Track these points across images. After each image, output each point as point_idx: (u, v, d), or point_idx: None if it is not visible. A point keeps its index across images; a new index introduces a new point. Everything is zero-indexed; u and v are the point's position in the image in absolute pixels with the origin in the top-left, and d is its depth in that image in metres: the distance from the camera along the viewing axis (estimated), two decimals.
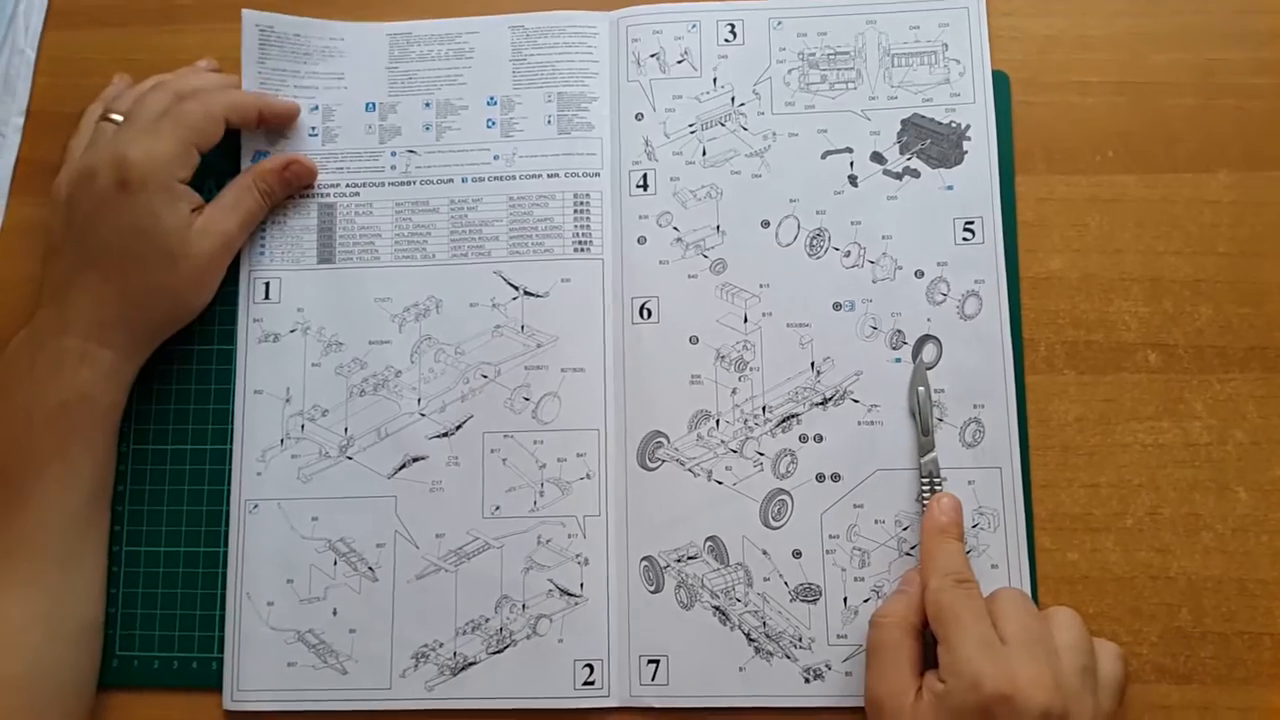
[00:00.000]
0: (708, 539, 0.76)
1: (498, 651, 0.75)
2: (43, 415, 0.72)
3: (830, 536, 0.76)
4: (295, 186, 0.82)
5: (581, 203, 0.81)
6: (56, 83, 0.88)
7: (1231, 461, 0.76)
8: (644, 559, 0.76)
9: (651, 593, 0.75)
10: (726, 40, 0.83)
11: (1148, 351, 0.78)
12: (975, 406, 0.76)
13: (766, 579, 0.75)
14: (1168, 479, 0.76)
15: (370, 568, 0.77)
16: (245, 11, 0.85)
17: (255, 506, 0.78)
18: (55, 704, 0.71)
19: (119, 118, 0.78)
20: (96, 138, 0.78)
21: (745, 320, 0.79)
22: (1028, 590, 0.74)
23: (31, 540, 0.72)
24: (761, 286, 0.79)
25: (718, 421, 0.77)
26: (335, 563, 0.77)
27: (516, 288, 0.80)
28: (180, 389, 0.81)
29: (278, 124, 0.84)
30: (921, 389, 0.76)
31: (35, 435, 0.72)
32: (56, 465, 0.73)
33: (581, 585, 0.76)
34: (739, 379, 0.78)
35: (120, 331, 0.75)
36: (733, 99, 0.82)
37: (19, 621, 0.70)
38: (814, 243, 0.79)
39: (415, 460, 0.78)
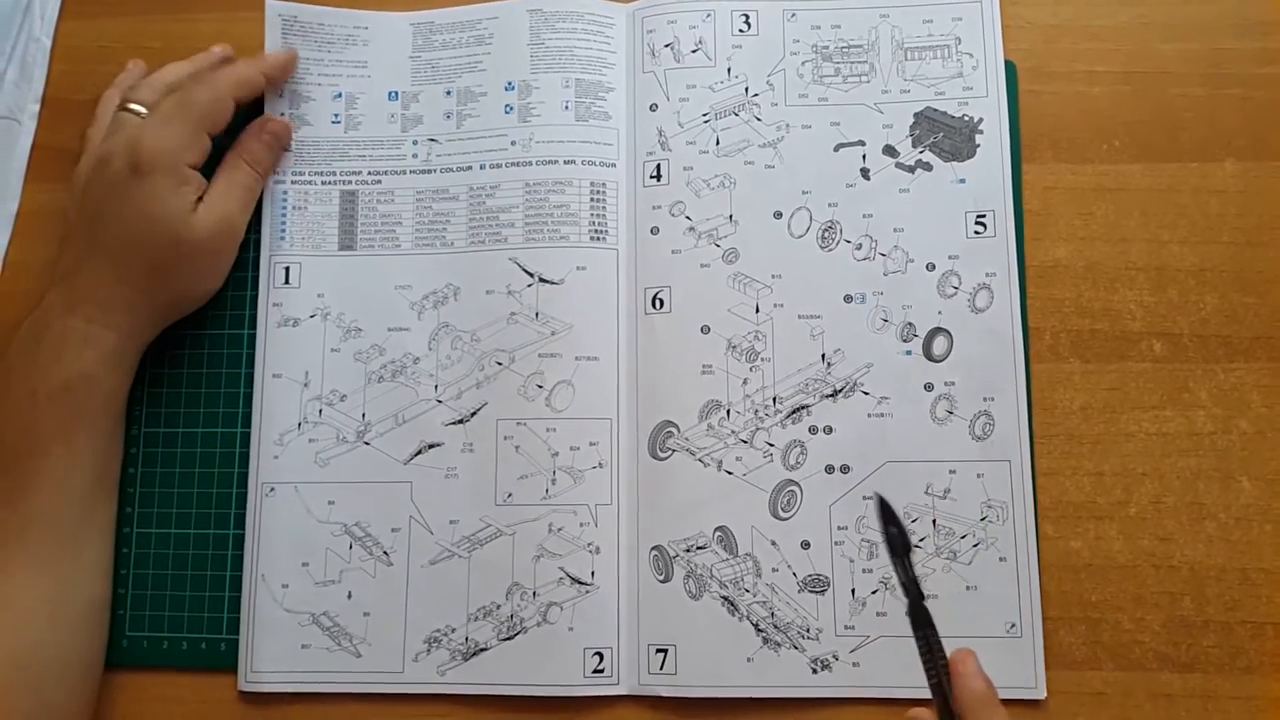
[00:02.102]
0: (717, 529, 0.69)
1: (508, 638, 0.68)
2: (47, 395, 0.66)
3: (839, 528, 0.69)
4: (278, 149, 0.76)
5: (599, 192, 0.74)
6: (73, 70, 0.81)
7: (1235, 451, 0.69)
8: (654, 548, 0.69)
9: (661, 582, 0.69)
10: (741, 31, 0.76)
11: (1153, 340, 0.71)
12: (985, 399, 0.70)
13: (775, 569, 0.68)
14: (1172, 468, 0.69)
15: (385, 552, 0.70)
16: (269, 3, 0.78)
17: (272, 489, 0.71)
18: (60, 683, 0.66)
19: (138, 108, 0.72)
20: (115, 127, 0.72)
21: (757, 310, 0.71)
22: (1034, 580, 0.67)
23: (37, 520, 0.66)
24: (773, 277, 0.72)
25: (728, 412, 0.70)
26: (350, 546, 0.70)
27: (531, 274, 0.73)
28: (192, 372, 0.74)
29: (281, 76, 0.77)
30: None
31: (40, 415, 0.66)
32: (60, 446, 0.67)
33: (592, 574, 0.69)
34: (750, 369, 0.71)
35: (123, 314, 0.69)
36: (746, 89, 0.75)
37: (25, 601, 0.65)
38: (826, 235, 0.72)
39: (431, 446, 0.71)
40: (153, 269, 0.69)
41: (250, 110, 0.77)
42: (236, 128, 0.75)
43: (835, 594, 0.68)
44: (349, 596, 0.70)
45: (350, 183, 0.76)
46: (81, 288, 0.68)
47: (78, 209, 0.71)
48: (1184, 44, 0.75)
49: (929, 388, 0.70)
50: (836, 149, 0.74)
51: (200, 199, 0.71)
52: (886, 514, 0.56)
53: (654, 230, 0.73)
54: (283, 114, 0.77)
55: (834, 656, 0.67)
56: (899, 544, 0.56)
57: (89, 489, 0.68)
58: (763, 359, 0.71)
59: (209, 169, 0.73)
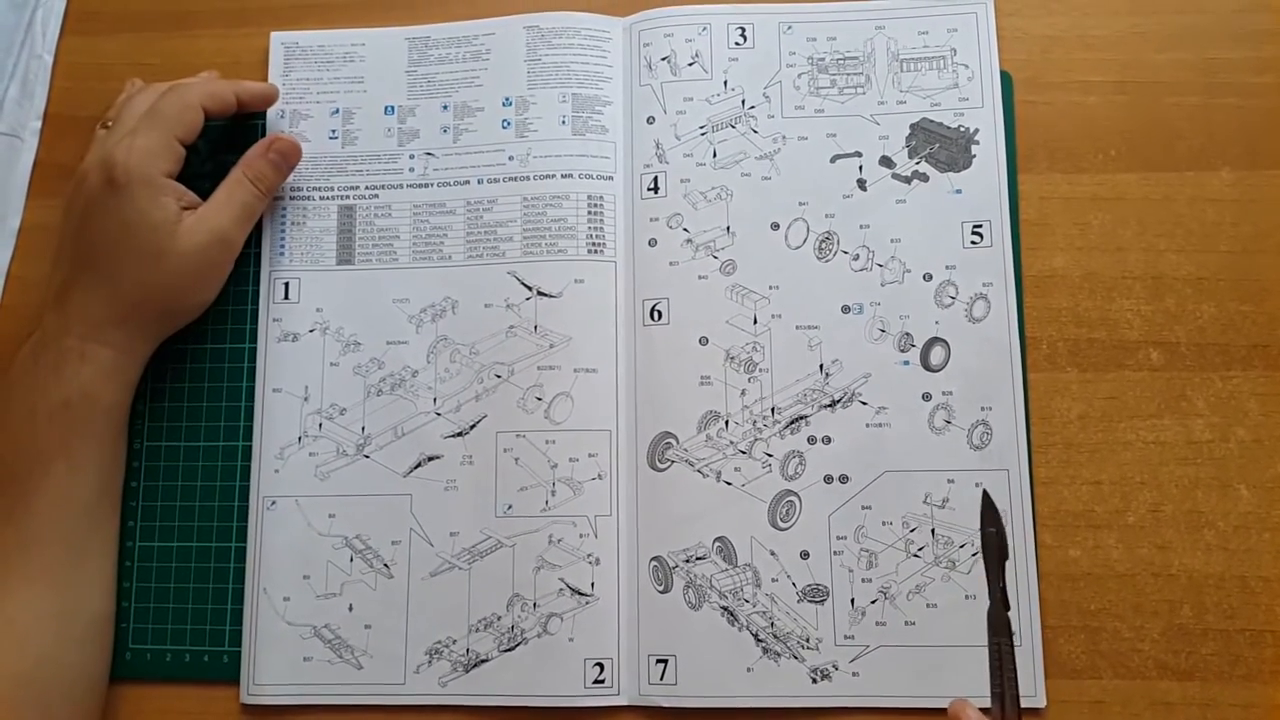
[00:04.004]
0: (716, 539, 0.69)
1: (509, 649, 0.69)
2: (46, 413, 0.67)
3: (838, 538, 0.69)
4: (284, 168, 0.75)
5: (596, 205, 0.75)
6: (74, 87, 0.82)
7: (1233, 459, 0.70)
8: (653, 559, 0.69)
9: (660, 592, 0.69)
10: (737, 44, 0.77)
11: (1150, 349, 0.71)
12: (983, 409, 0.70)
13: (774, 579, 0.69)
14: (1170, 476, 0.70)
15: (386, 565, 0.71)
16: (274, 33, 0.80)
17: (273, 503, 0.72)
18: (64, 699, 0.66)
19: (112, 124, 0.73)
20: (92, 145, 0.73)
21: (755, 322, 0.72)
22: (1033, 589, 0.67)
23: (40, 537, 0.66)
24: (771, 288, 0.72)
25: (727, 422, 0.71)
26: (351, 559, 0.71)
27: (530, 288, 0.73)
28: (193, 387, 0.75)
29: (256, 105, 0.77)
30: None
31: (40, 433, 0.67)
32: (62, 463, 0.67)
33: (592, 584, 0.69)
34: (748, 380, 0.71)
35: (118, 330, 0.69)
36: (743, 101, 0.76)
37: (28, 618, 0.65)
38: (823, 245, 0.73)
39: (430, 459, 0.72)
40: (140, 282, 0.69)
41: (237, 127, 0.77)
42: (227, 145, 0.76)
43: (834, 604, 0.68)
44: (350, 609, 0.70)
45: (348, 197, 0.77)
46: (73, 307, 0.68)
47: (63, 229, 0.71)
48: (1178, 53, 0.76)
49: (927, 397, 0.70)
50: (833, 160, 0.74)
51: (187, 209, 0.70)
52: (989, 514, 0.56)
53: (651, 242, 0.74)
54: (282, 133, 0.77)
55: (833, 666, 0.67)
56: (995, 547, 0.56)
57: (91, 504, 0.68)
58: (761, 370, 0.71)
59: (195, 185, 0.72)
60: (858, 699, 0.67)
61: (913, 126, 0.74)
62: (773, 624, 0.68)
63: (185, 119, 0.71)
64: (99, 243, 0.68)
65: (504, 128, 0.76)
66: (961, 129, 0.74)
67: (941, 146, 0.74)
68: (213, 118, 0.73)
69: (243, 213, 0.72)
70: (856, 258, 0.72)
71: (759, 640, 0.68)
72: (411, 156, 0.77)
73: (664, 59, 0.76)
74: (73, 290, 0.68)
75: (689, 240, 0.73)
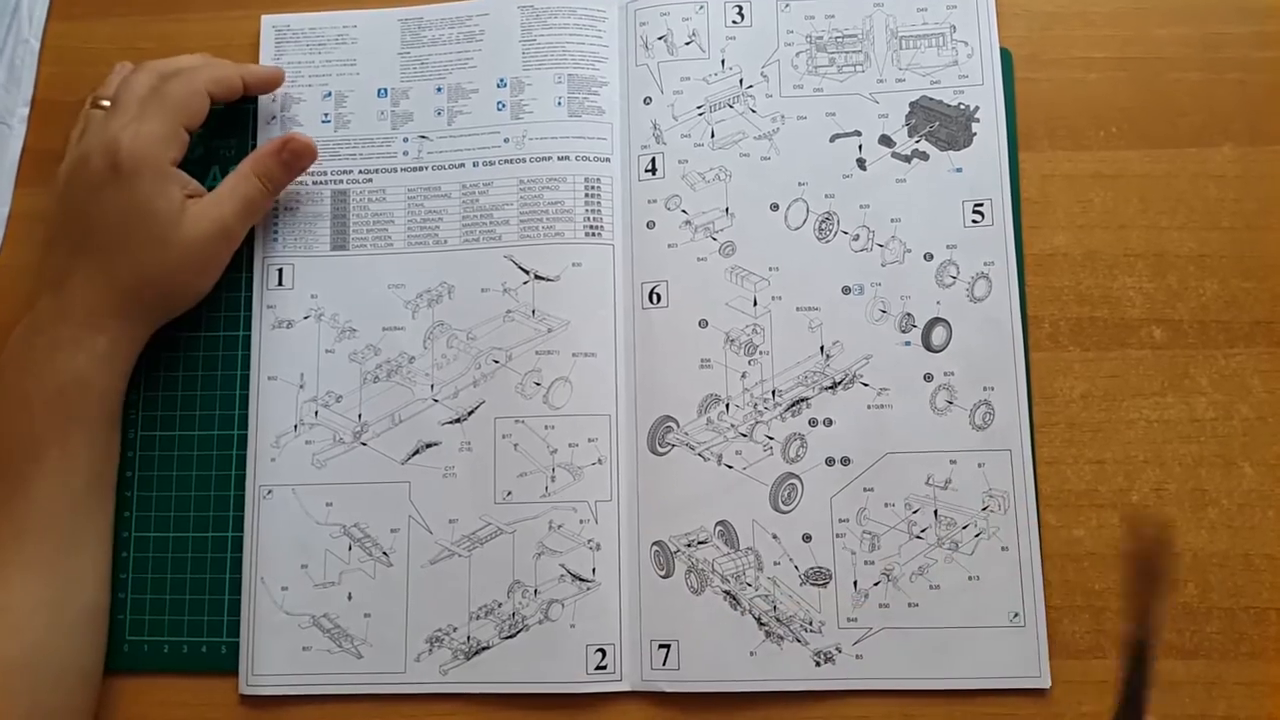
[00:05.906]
0: (718, 523, 0.70)
1: (510, 636, 0.69)
2: (41, 401, 0.67)
3: (840, 520, 0.70)
4: (295, 168, 0.75)
5: (593, 187, 0.75)
6: (61, 72, 0.81)
7: (1237, 437, 0.70)
8: (654, 544, 0.70)
9: (662, 577, 0.69)
10: (734, 22, 0.77)
11: (1152, 327, 0.72)
12: (985, 389, 0.70)
13: (777, 563, 0.69)
14: (1173, 455, 0.70)
15: (384, 553, 0.71)
16: (265, 16, 0.80)
17: (269, 492, 0.72)
18: (57, 688, 0.66)
19: (107, 103, 0.72)
20: (88, 125, 0.73)
21: (754, 304, 0.72)
22: (1037, 569, 0.68)
23: (33, 525, 0.66)
24: (771, 270, 0.73)
25: (727, 405, 0.71)
26: (350, 548, 0.71)
27: (527, 272, 0.74)
28: (188, 375, 0.75)
29: (261, 89, 0.78)
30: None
31: (34, 421, 0.67)
32: (56, 450, 0.67)
33: (593, 570, 0.70)
34: (748, 363, 0.72)
35: (114, 317, 0.69)
36: (741, 81, 0.76)
37: (21, 606, 0.65)
38: (823, 226, 0.73)
39: (428, 446, 0.72)
40: (140, 270, 0.69)
41: (228, 111, 0.77)
42: (217, 129, 0.77)
43: (837, 586, 0.69)
44: (349, 598, 0.71)
45: (341, 182, 0.77)
46: (69, 292, 0.68)
47: (60, 212, 0.71)
48: (1180, 28, 0.76)
49: (928, 378, 0.71)
50: (832, 140, 0.74)
51: (191, 197, 0.70)
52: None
53: (650, 225, 0.74)
54: (274, 117, 0.78)
55: (837, 649, 0.68)
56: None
57: (85, 492, 0.69)
58: (761, 352, 0.72)
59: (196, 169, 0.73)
60: (861, 682, 0.68)
61: (912, 105, 0.75)
62: (775, 607, 0.69)
63: (192, 106, 0.71)
64: (100, 228, 0.69)
65: (499, 110, 0.77)
66: (961, 107, 0.74)
67: (941, 125, 0.74)
68: (218, 103, 0.73)
69: (246, 207, 0.72)
70: (857, 238, 0.73)
71: (762, 624, 0.68)
72: (405, 140, 0.77)
73: (660, 38, 0.77)
74: (70, 276, 0.68)
75: (688, 222, 0.74)
